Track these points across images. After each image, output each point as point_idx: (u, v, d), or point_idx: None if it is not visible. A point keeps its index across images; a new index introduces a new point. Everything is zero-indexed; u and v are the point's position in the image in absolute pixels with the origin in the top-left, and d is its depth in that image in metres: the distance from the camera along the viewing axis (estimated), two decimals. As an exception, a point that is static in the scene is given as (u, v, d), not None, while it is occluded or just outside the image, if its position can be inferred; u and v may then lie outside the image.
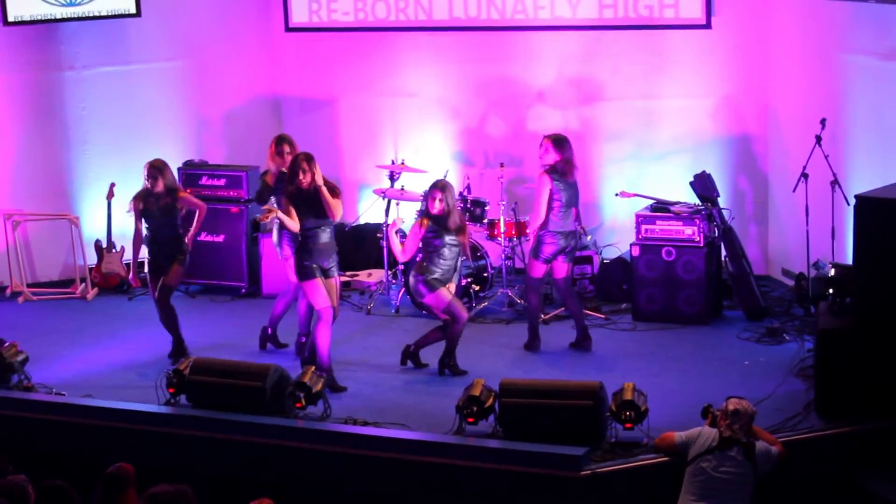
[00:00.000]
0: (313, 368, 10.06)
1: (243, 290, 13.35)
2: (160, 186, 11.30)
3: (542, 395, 9.35)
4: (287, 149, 11.38)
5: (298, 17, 14.62)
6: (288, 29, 14.71)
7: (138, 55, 14.25)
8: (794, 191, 11.90)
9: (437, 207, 10.72)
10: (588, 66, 13.65)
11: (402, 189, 13.19)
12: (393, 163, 13.47)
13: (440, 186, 10.82)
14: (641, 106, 13.50)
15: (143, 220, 11.38)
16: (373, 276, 13.41)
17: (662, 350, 11.45)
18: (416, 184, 13.09)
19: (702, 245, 12.06)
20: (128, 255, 12.77)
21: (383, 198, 13.11)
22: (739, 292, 12.21)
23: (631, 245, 12.34)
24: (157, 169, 11.34)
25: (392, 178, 13.25)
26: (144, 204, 11.32)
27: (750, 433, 8.43)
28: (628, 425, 9.12)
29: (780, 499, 8.77)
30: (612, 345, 11.65)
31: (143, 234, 11.42)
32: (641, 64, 13.45)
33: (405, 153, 13.73)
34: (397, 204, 13.24)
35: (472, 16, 13.86)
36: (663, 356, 11.27)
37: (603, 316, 12.34)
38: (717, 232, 12.28)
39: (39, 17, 13.73)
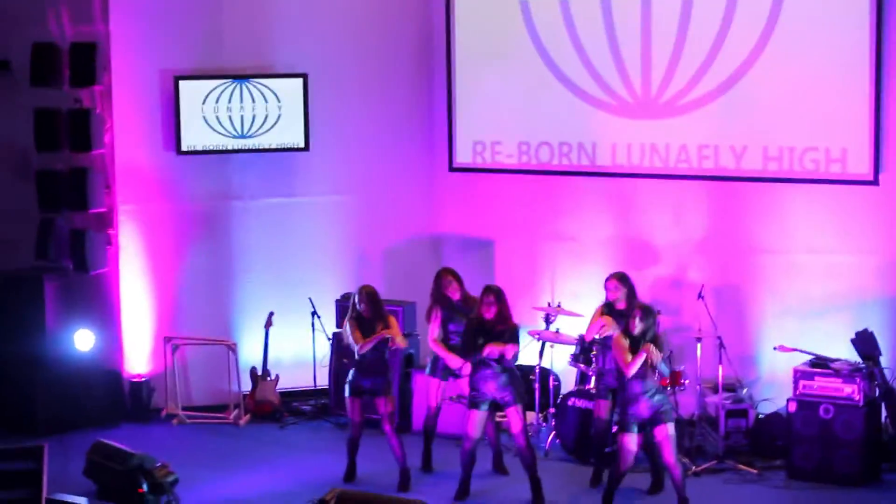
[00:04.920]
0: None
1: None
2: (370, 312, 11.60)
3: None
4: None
5: (462, 157, 14.83)
6: (451, 169, 14.92)
7: (303, 188, 14.57)
8: (959, 354, 11.58)
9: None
10: (749, 219, 13.51)
11: (557, 332, 13.15)
12: (549, 305, 13.46)
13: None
14: (803, 260, 13.28)
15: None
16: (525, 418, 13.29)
17: (817, 510, 11.16)
18: (572, 327, 13.05)
19: (861, 404, 11.77)
20: (293, 382, 13.04)
21: (538, 340, 13.09)
22: (899, 455, 11.87)
23: (788, 400, 12.09)
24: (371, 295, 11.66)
25: (548, 320, 13.23)
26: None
27: None
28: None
29: None
30: (765, 502, 11.38)
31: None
32: (804, 218, 13.26)
33: (562, 296, 13.72)
34: (552, 346, 13.20)
35: (634, 163, 13.89)
36: (818, 517, 10.98)
37: (755, 471, 12.07)
38: (877, 391, 11.98)
39: (211, 148, 14.13)
